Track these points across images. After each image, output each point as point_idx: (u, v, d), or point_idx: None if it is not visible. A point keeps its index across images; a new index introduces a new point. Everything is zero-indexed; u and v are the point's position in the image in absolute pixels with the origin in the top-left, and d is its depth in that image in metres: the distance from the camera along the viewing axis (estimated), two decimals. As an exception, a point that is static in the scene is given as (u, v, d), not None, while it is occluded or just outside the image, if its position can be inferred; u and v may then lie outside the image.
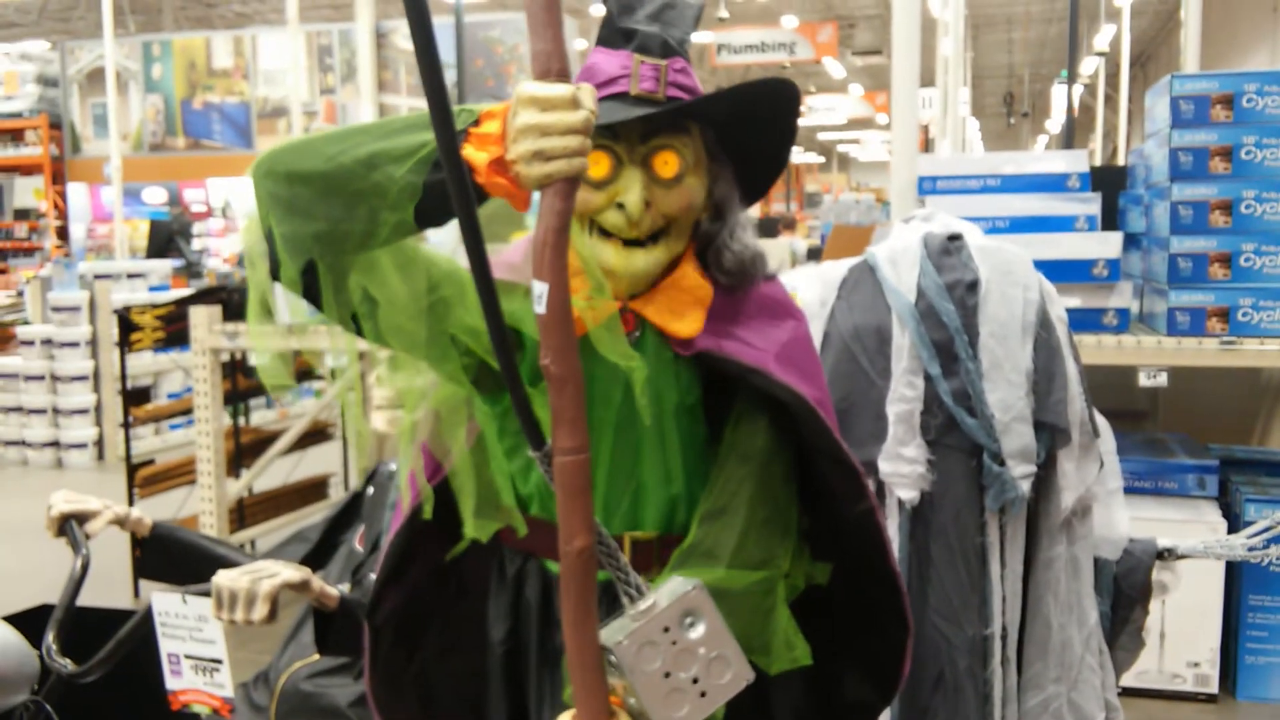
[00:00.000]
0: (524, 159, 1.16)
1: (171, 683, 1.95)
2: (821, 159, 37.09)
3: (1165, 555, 2.30)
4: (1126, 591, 2.28)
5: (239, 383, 5.42)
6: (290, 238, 1.31)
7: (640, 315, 1.54)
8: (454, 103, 1.17)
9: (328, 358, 1.47)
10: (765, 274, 1.63)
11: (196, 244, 13.96)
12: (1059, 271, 3.33)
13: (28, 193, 15.52)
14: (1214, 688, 3.77)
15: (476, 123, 1.21)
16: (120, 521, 2.18)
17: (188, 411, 5.41)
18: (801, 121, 1.88)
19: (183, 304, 5.27)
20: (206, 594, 1.86)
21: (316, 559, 2.55)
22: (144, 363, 7.47)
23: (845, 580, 1.61)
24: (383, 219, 1.26)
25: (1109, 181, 4.22)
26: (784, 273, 2.08)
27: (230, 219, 15.32)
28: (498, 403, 1.53)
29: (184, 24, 19.28)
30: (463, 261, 1.46)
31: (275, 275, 1.36)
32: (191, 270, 11.98)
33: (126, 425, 5.43)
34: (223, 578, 1.83)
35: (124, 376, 5.44)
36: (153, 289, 8.70)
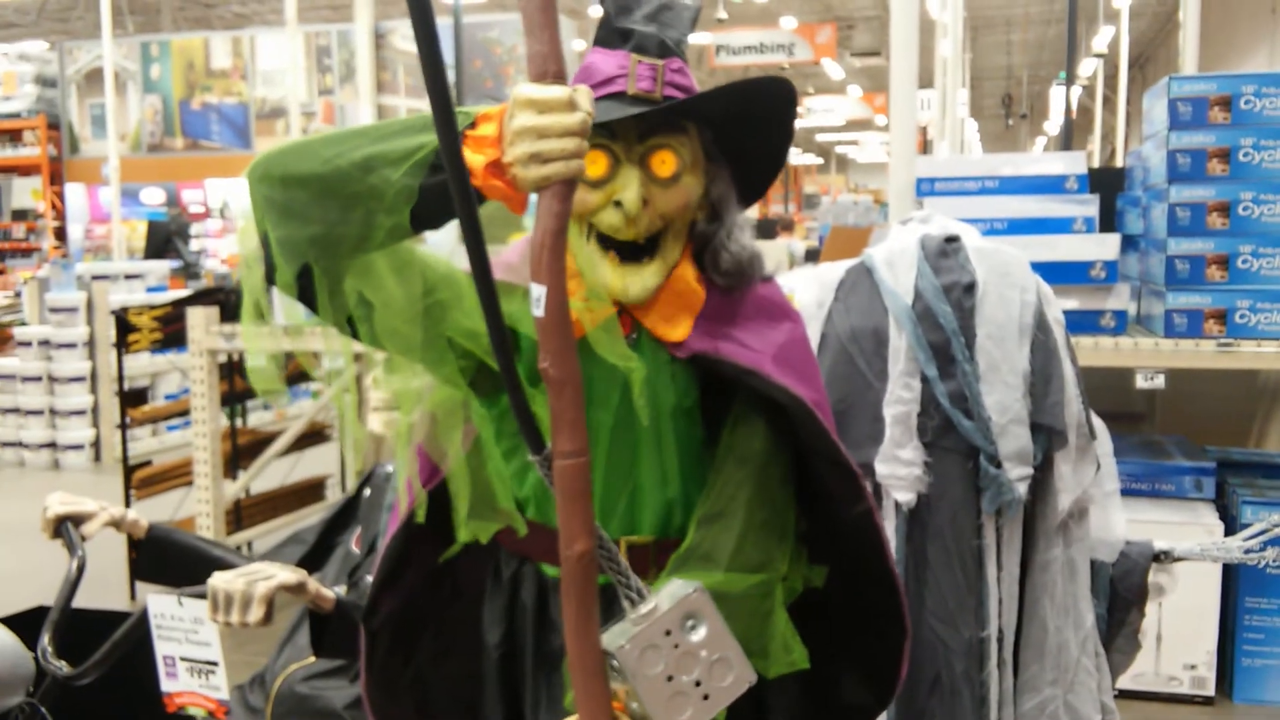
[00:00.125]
0: (521, 161, 1.15)
1: (167, 685, 1.95)
2: (820, 160, 37.10)
3: (1162, 558, 2.30)
4: (1123, 594, 2.28)
5: (236, 384, 5.41)
6: (286, 241, 1.31)
7: (635, 318, 1.54)
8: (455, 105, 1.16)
9: (324, 360, 1.47)
10: (762, 275, 1.63)
11: (194, 245, 13.96)
12: (1056, 273, 3.33)
13: (25, 193, 15.51)
14: (1211, 690, 3.77)
15: (473, 125, 1.21)
16: (116, 523, 2.17)
17: (185, 413, 5.41)
18: (800, 123, 1.88)
19: (180, 305, 5.26)
20: (202, 596, 1.86)
21: (313, 561, 2.55)
22: (141, 364, 7.46)
23: (842, 583, 1.61)
24: (379, 222, 1.26)
25: (1107, 183, 4.22)
26: (781, 274, 2.08)
27: (228, 220, 15.30)
28: (494, 405, 1.53)
29: (182, 24, 19.27)
30: (460, 263, 1.46)
31: (271, 279, 1.35)
32: (189, 271, 11.98)
33: (124, 426, 5.43)
34: (219, 580, 1.82)
35: (121, 378, 5.43)
36: (150, 290, 8.69)
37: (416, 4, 1.07)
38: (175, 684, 1.94)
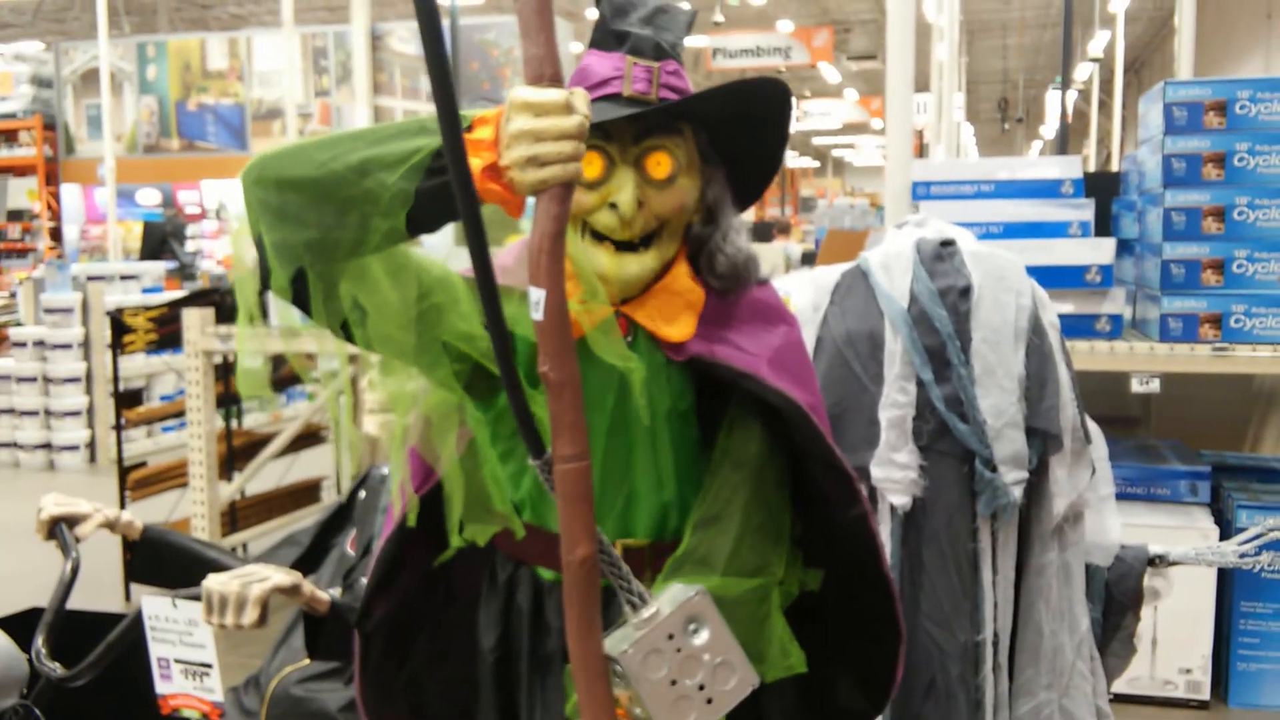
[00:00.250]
0: (518, 165, 1.15)
1: (161, 687, 1.95)
2: (816, 164, 37.12)
3: (1157, 562, 2.30)
4: (1118, 598, 2.28)
5: (231, 385, 5.40)
6: (281, 245, 1.30)
7: (632, 320, 1.54)
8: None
9: (319, 363, 1.46)
10: (758, 278, 1.63)
11: (190, 246, 13.94)
12: (1052, 277, 3.34)
13: (21, 194, 15.49)
14: (1206, 694, 3.77)
15: (469, 129, 1.21)
16: (111, 525, 2.17)
17: (180, 414, 5.40)
18: (796, 126, 1.88)
19: (175, 306, 5.26)
20: (197, 598, 1.85)
21: (308, 563, 2.55)
22: (136, 365, 7.45)
23: (838, 586, 1.61)
24: (374, 226, 1.25)
25: (1103, 187, 4.23)
26: (777, 277, 2.08)
27: (224, 221, 15.29)
28: (490, 408, 1.53)
29: (179, 25, 19.25)
30: (455, 267, 1.46)
31: (266, 283, 1.35)
32: (185, 272, 11.97)
33: (119, 427, 5.42)
34: (213, 582, 1.82)
35: (116, 379, 5.42)
36: (146, 291, 8.69)
37: (423, 6, 1.07)
38: (170, 686, 1.94)
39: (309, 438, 5.77)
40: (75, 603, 2.09)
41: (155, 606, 1.91)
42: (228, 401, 5.38)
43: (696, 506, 1.53)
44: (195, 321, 4.77)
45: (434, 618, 1.69)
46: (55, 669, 1.96)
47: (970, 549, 2.06)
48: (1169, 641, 3.74)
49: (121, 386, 5.63)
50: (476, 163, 1.19)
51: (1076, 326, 3.61)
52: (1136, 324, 4.00)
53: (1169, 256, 3.59)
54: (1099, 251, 3.61)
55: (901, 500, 2.06)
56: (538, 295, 1.16)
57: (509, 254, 1.53)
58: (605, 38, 1.51)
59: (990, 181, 3.80)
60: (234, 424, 5.56)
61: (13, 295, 10.03)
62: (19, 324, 8.63)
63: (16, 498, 7.18)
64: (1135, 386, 3.58)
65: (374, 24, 13.41)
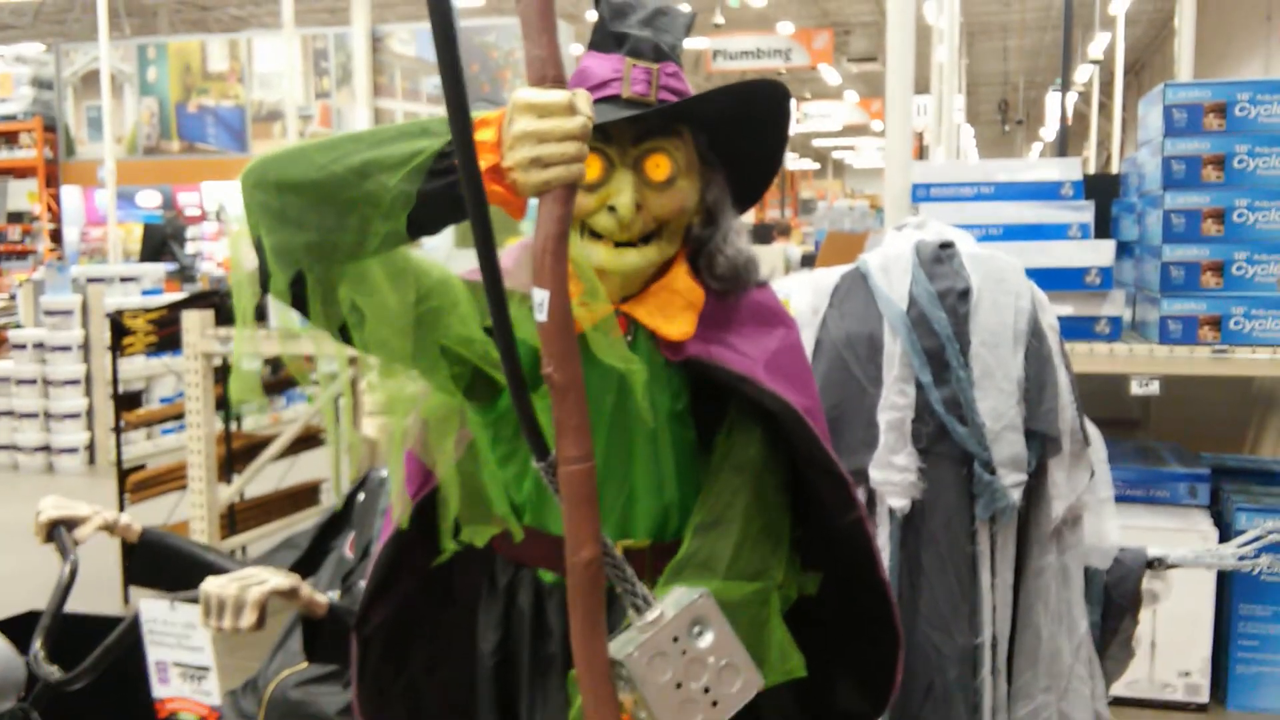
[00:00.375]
0: (521, 166, 1.15)
1: (159, 690, 1.95)
2: (817, 165, 37.14)
3: (1155, 564, 2.30)
4: (1117, 601, 2.28)
5: (231, 387, 5.39)
6: (280, 248, 1.30)
7: (632, 318, 1.54)
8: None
9: (318, 366, 1.46)
10: (758, 280, 1.63)
11: (190, 248, 13.93)
12: (1052, 279, 3.34)
13: (21, 195, 15.48)
14: (1205, 697, 3.77)
15: None
16: (109, 527, 2.17)
17: (180, 416, 5.40)
18: (796, 128, 1.88)
19: (175, 308, 5.26)
20: (195, 601, 1.85)
21: (306, 566, 2.55)
22: (136, 367, 7.45)
23: (835, 590, 1.61)
24: (374, 228, 1.25)
25: (1102, 189, 4.22)
26: (777, 279, 2.08)
27: (224, 223, 15.29)
28: (490, 411, 1.52)
29: (179, 27, 19.26)
30: (454, 269, 1.46)
31: (265, 285, 1.35)
32: (185, 274, 11.96)
33: (118, 430, 5.41)
34: (211, 585, 1.82)
35: (116, 381, 5.42)
36: (146, 293, 8.68)
37: (437, 6, 1.06)
38: (167, 689, 1.94)
39: (308, 440, 5.77)
40: (73, 605, 2.09)
41: (153, 609, 1.91)
42: (227, 404, 5.38)
43: (697, 509, 1.52)
44: (195, 324, 4.77)
45: (432, 621, 1.69)
46: (53, 672, 1.95)
47: (969, 551, 2.06)
48: (1168, 644, 3.74)
49: (121, 389, 5.62)
50: (479, 164, 1.19)
51: (1076, 328, 3.60)
52: (1136, 326, 4.00)
53: (1169, 259, 3.59)
54: (1098, 253, 3.61)
55: (900, 503, 2.06)
56: (541, 296, 1.15)
57: (508, 256, 1.53)
58: (604, 40, 1.51)
59: (990, 184, 3.80)
60: (233, 426, 5.56)
61: (12, 297, 10.03)
62: (19, 326, 8.62)
63: (15, 500, 7.18)
64: (1135, 389, 3.58)
65: (374, 26, 13.42)
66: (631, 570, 1.26)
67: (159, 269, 9.60)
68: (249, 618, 1.80)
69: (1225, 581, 3.74)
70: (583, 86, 1.47)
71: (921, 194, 3.85)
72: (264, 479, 5.60)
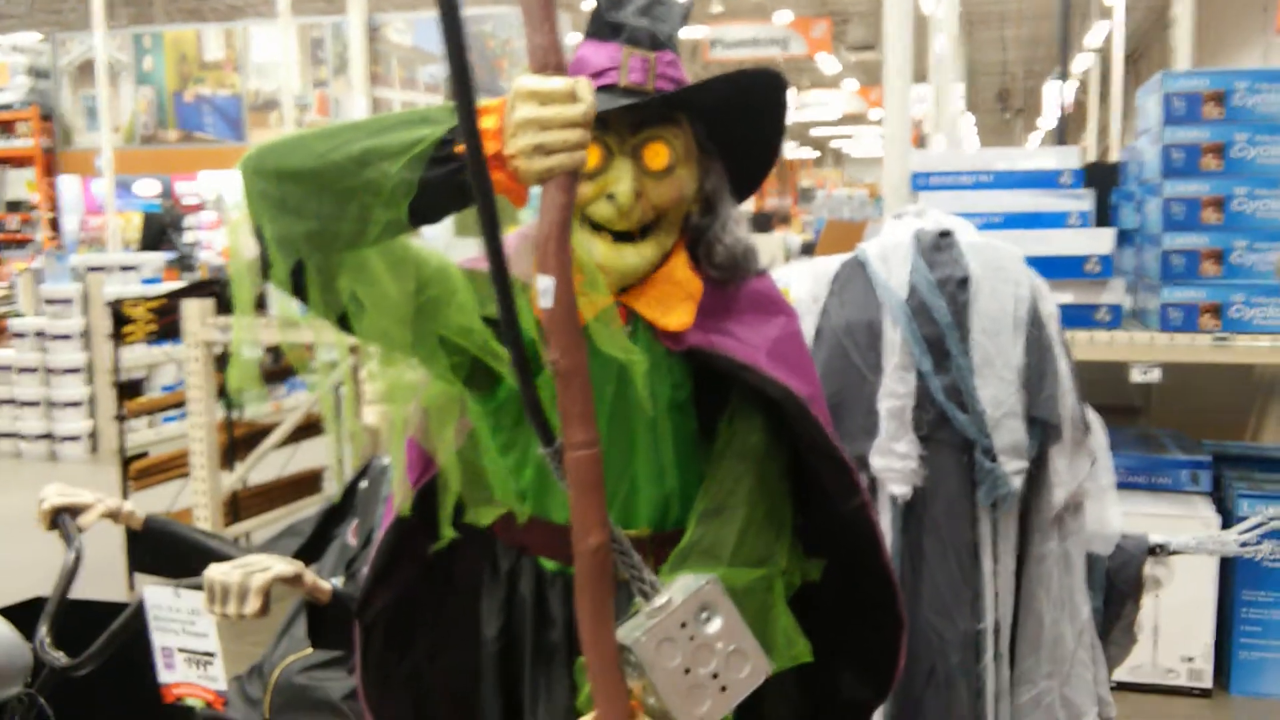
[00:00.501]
0: (524, 153, 1.15)
1: (164, 676, 1.95)
2: (816, 154, 37.08)
3: (1157, 551, 2.31)
4: (1119, 587, 2.29)
5: (232, 376, 5.39)
6: (280, 237, 1.30)
7: (631, 309, 1.54)
8: (447, 99, 1.16)
9: (318, 354, 1.46)
10: (756, 269, 1.63)
11: (189, 237, 13.92)
12: (1051, 268, 3.33)
13: (19, 185, 15.46)
14: (1208, 682, 3.78)
15: None
16: (113, 515, 2.18)
17: (181, 404, 5.40)
18: (795, 117, 1.88)
19: (175, 297, 5.25)
20: (199, 588, 1.86)
21: (310, 552, 2.55)
22: (137, 355, 7.43)
23: (839, 577, 1.61)
24: (375, 217, 1.24)
25: (1102, 178, 4.23)
26: (776, 268, 2.08)
27: (223, 212, 15.26)
28: (490, 400, 1.53)
29: (175, 16, 19.20)
30: (453, 258, 1.46)
31: (265, 274, 1.35)
32: (184, 263, 11.95)
33: (120, 418, 5.42)
34: (215, 571, 1.83)
35: (117, 369, 5.43)
36: (145, 281, 8.67)
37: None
38: (173, 675, 1.95)
39: (310, 428, 5.77)
40: (78, 592, 2.10)
41: (158, 596, 1.91)
42: (228, 392, 5.38)
43: (700, 497, 1.53)
44: (195, 312, 4.77)
45: (435, 607, 1.69)
46: (59, 658, 1.96)
47: (970, 538, 2.07)
48: (1171, 630, 3.75)
49: (122, 377, 5.62)
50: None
51: (1076, 316, 3.61)
52: (1136, 314, 4.00)
53: (1168, 247, 3.60)
54: (1098, 242, 3.61)
55: (901, 490, 2.07)
56: (546, 283, 1.16)
57: (506, 245, 1.53)
58: (601, 28, 1.51)
59: (989, 172, 3.80)
60: (235, 414, 5.56)
61: (12, 286, 10.02)
62: (19, 315, 8.62)
63: (18, 488, 7.18)
64: (1135, 376, 3.58)
65: (371, 15, 13.37)
66: (638, 556, 1.26)
67: (158, 258, 9.58)
68: (253, 604, 1.81)
69: (1228, 567, 3.75)
70: (580, 75, 1.47)
71: (921, 183, 3.85)
72: (267, 466, 5.60)
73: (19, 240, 15.05)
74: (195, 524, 4.77)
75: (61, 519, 2.12)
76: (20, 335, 8.17)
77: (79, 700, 2.07)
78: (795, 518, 1.58)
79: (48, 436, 8.15)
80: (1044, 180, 3.75)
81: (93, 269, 8.41)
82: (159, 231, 12.50)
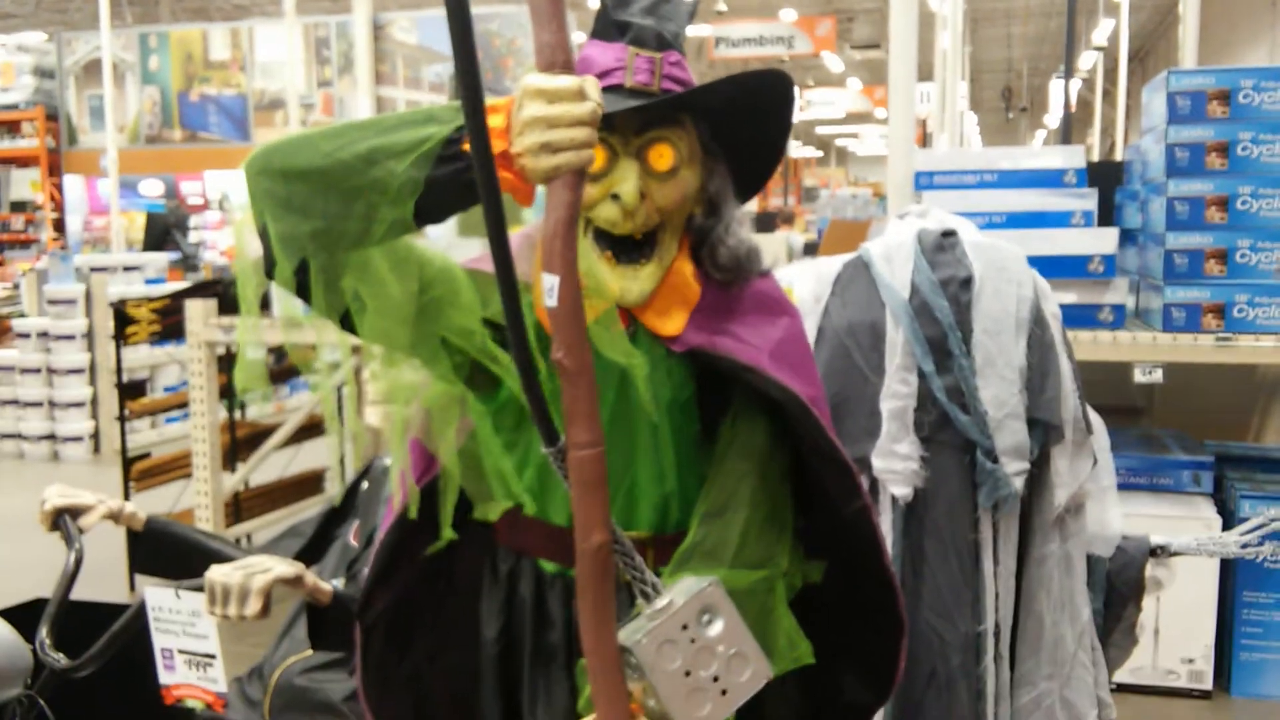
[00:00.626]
0: (531, 152, 1.15)
1: (165, 677, 1.95)
2: (820, 153, 37.06)
3: (1158, 552, 2.30)
4: (1119, 588, 2.28)
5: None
6: (285, 236, 1.30)
7: (631, 312, 1.54)
8: (452, 97, 1.16)
9: (321, 354, 1.46)
10: (760, 270, 1.63)
11: (193, 237, 13.93)
12: (1055, 267, 3.33)
13: (24, 185, 15.48)
14: (1208, 684, 3.77)
15: None
16: (114, 516, 2.18)
17: (184, 405, 5.41)
18: (799, 115, 1.88)
19: (178, 297, 5.26)
20: (200, 589, 1.86)
21: (311, 554, 2.55)
22: (140, 356, 7.45)
23: (839, 579, 1.61)
24: (381, 215, 1.25)
25: (1106, 177, 4.22)
26: (779, 267, 2.08)
27: (227, 212, 15.27)
28: (492, 400, 1.52)
29: (181, 16, 19.23)
30: (456, 258, 1.46)
31: (269, 273, 1.35)
32: (188, 263, 11.97)
33: (122, 418, 5.42)
34: (216, 573, 1.83)
35: (120, 370, 5.43)
36: (149, 281, 8.68)
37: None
38: (173, 676, 1.95)
39: (312, 429, 5.78)
40: (79, 594, 2.10)
41: (158, 597, 1.92)
42: (231, 392, 5.38)
43: (702, 498, 1.53)
44: (198, 313, 4.78)
45: (435, 609, 1.69)
46: (59, 659, 1.96)
47: (971, 540, 2.06)
48: (1172, 631, 3.74)
49: (125, 378, 5.63)
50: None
51: (1079, 316, 3.60)
52: (1139, 314, 3.99)
53: (1172, 246, 3.59)
54: (1102, 241, 3.60)
55: (903, 491, 2.06)
56: (551, 282, 1.15)
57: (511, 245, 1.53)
58: (606, 28, 1.50)
59: (993, 171, 3.80)
60: (237, 415, 5.57)
61: (16, 286, 10.04)
62: (22, 315, 8.63)
63: (20, 489, 7.20)
64: (1138, 376, 3.57)
65: (376, 14, 13.37)
66: (640, 558, 1.26)
67: (162, 258, 9.58)
68: (254, 605, 1.81)
69: (1229, 569, 3.74)
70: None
71: (924, 182, 3.85)
72: (268, 467, 5.61)
73: (23, 240, 15.07)
74: (197, 525, 4.78)
75: (63, 520, 2.12)
76: (24, 336, 8.19)
77: (79, 702, 2.08)
78: (796, 520, 1.58)
79: (50, 437, 8.16)
80: (1048, 179, 3.75)
81: (96, 269, 8.42)
82: (163, 232, 12.52)
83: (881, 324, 2.11)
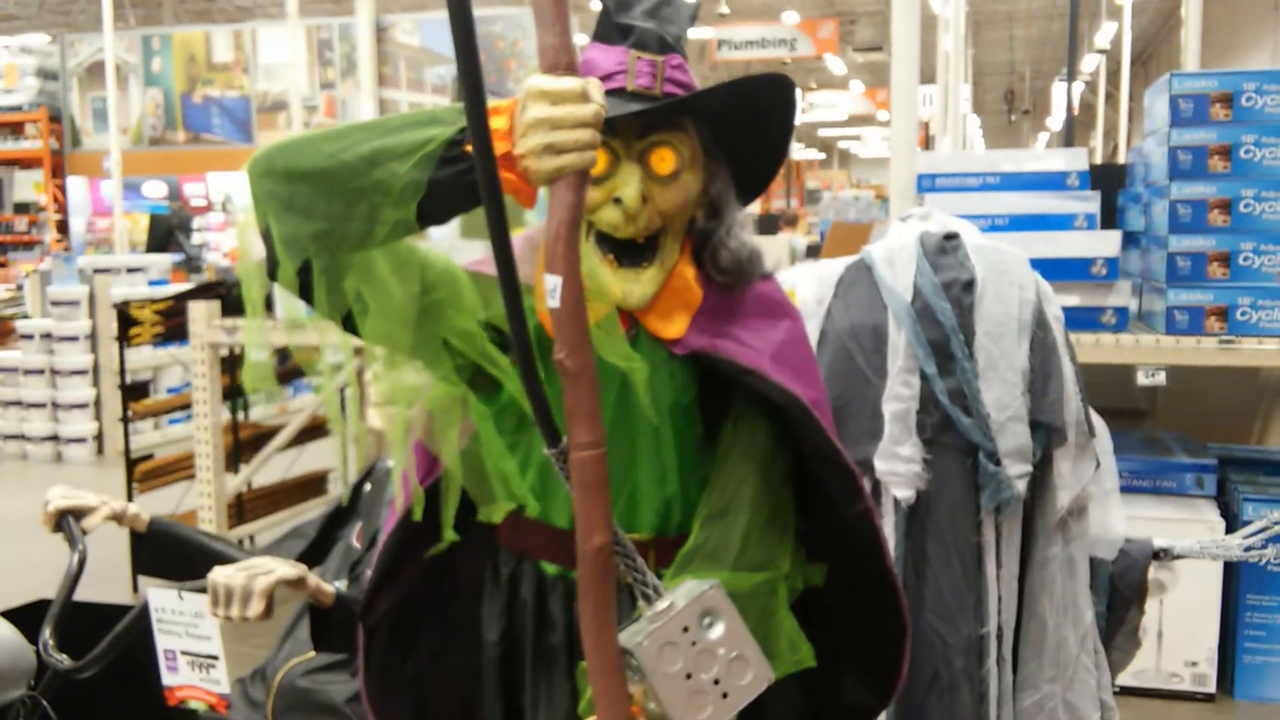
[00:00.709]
0: (534, 153, 1.16)
1: (168, 679, 1.96)
2: (822, 155, 37.06)
3: (1161, 555, 2.30)
4: (1122, 591, 2.28)
5: (238, 378, 5.41)
6: (288, 237, 1.30)
7: (633, 315, 1.54)
8: (454, 99, 1.16)
9: (324, 355, 1.46)
10: (762, 273, 1.63)
11: (196, 238, 13.94)
12: (1057, 270, 3.33)
13: (27, 186, 15.50)
14: (1212, 687, 3.77)
15: None
16: (117, 517, 2.18)
17: (187, 406, 5.41)
18: (802, 118, 1.88)
19: (181, 299, 5.26)
20: (203, 590, 1.86)
21: (314, 555, 2.55)
22: (143, 357, 7.46)
23: (842, 581, 1.61)
24: (384, 216, 1.25)
25: (1108, 179, 4.22)
26: (782, 270, 2.08)
27: (230, 214, 15.28)
28: (494, 402, 1.53)
29: (184, 18, 19.24)
30: (458, 260, 1.46)
31: (272, 274, 1.35)
32: (191, 265, 11.97)
33: (126, 420, 5.43)
34: (219, 574, 1.83)
35: (123, 371, 5.44)
36: (152, 283, 8.69)
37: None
38: (176, 677, 1.95)
39: (315, 430, 5.78)
40: (82, 595, 2.10)
41: (161, 599, 1.92)
42: (234, 394, 5.39)
43: (704, 500, 1.53)
44: (201, 314, 4.78)
45: (437, 610, 1.69)
46: (63, 660, 1.96)
47: (974, 542, 2.06)
48: (1175, 634, 3.74)
49: (128, 379, 5.64)
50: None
51: (1082, 319, 3.60)
52: (1142, 316, 3.99)
53: (1175, 249, 3.59)
54: (1105, 244, 3.60)
55: (905, 493, 2.06)
56: (554, 283, 1.15)
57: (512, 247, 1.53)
58: (608, 31, 1.50)
59: (996, 174, 3.80)
60: (240, 416, 5.57)
61: (20, 288, 10.05)
62: (26, 316, 8.65)
63: (24, 490, 7.20)
64: (1141, 379, 3.57)
65: (379, 16, 13.39)
66: (641, 560, 1.26)
67: (165, 259, 9.59)
68: (256, 607, 1.81)
69: (1232, 572, 3.74)
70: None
71: (927, 184, 3.85)
72: (271, 468, 5.61)
73: (27, 242, 15.09)
74: (200, 526, 4.78)
75: (66, 521, 2.12)
76: (27, 337, 8.20)
77: (82, 703, 2.08)
78: (798, 522, 1.58)
79: (53, 438, 8.16)
80: (1050, 182, 3.75)
81: (100, 271, 8.43)
82: (166, 233, 12.52)
83: (884, 326, 2.11)
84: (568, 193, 1.16)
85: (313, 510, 5.48)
